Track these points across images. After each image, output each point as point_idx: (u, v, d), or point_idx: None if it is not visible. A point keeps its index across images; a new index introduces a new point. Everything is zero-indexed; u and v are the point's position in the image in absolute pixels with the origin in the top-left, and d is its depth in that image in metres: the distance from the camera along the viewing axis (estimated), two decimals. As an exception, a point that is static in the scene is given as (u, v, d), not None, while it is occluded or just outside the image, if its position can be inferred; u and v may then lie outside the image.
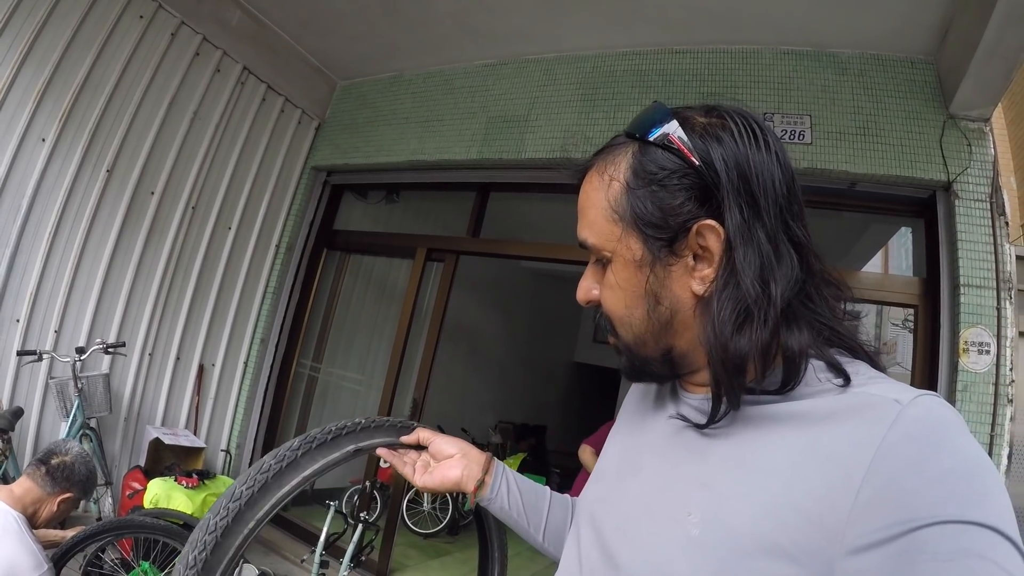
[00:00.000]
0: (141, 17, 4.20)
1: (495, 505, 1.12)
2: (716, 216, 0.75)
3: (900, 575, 0.55)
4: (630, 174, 0.80)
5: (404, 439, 1.16)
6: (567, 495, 1.23)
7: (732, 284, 0.74)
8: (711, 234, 0.76)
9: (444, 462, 1.12)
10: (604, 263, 0.84)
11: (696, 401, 0.83)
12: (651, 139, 0.79)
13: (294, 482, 1.02)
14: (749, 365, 0.72)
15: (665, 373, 0.86)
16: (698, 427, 0.78)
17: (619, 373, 0.95)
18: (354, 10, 4.62)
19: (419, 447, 1.18)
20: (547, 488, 1.20)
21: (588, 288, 0.88)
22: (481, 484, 1.10)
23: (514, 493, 1.13)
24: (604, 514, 0.89)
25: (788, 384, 0.72)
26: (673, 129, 0.78)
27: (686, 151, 0.76)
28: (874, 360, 0.79)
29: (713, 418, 0.75)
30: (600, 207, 0.82)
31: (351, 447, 1.09)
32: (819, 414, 0.69)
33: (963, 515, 0.55)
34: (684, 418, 0.82)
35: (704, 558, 0.69)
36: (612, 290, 0.83)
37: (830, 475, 0.63)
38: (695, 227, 0.76)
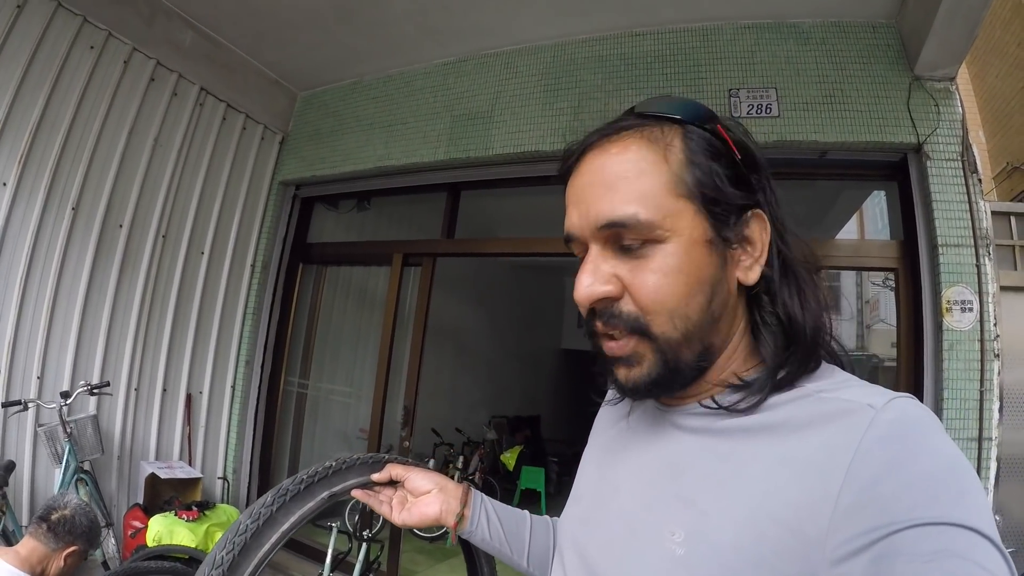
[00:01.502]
0: (92, 48, 4.08)
1: (476, 536, 1.11)
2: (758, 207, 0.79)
3: None
4: (689, 147, 0.76)
5: (376, 477, 1.14)
6: (547, 516, 1.23)
7: (786, 271, 0.80)
8: (758, 223, 0.78)
9: (421, 498, 1.11)
10: (642, 245, 0.74)
11: (694, 409, 0.80)
12: (698, 124, 0.78)
13: (273, 539, 0.99)
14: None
15: (687, 381, 0.78)
16: (734, 412, 0.75)
17: None
18: (307, 19, 4.53)
19: (393, 483, 1.16)
20: (526, 513, 1.20)
21: (608, 275, 0.75)
22: (460, 517, 1.09)
23: (494, 522, 1.12)
24: (587, 536, 0.88)
25: (760, 389, 0.74)
26: (716, 120, 0.79)
27: (731, 142, 0.78)
28: (846, 363, 0.81)
29: (756, 401, 0.74)
30: (658, 176, 0.74)
31: (325, 494, 1.08)
32: (795, 423, 0.69)
33: (941, 516, 0.55)
34: (702, 418, 0.79)
35: None
36: (664, 276, 0.73)
37: (809, 484, 0.63)
38: (750, 214, 0.78)
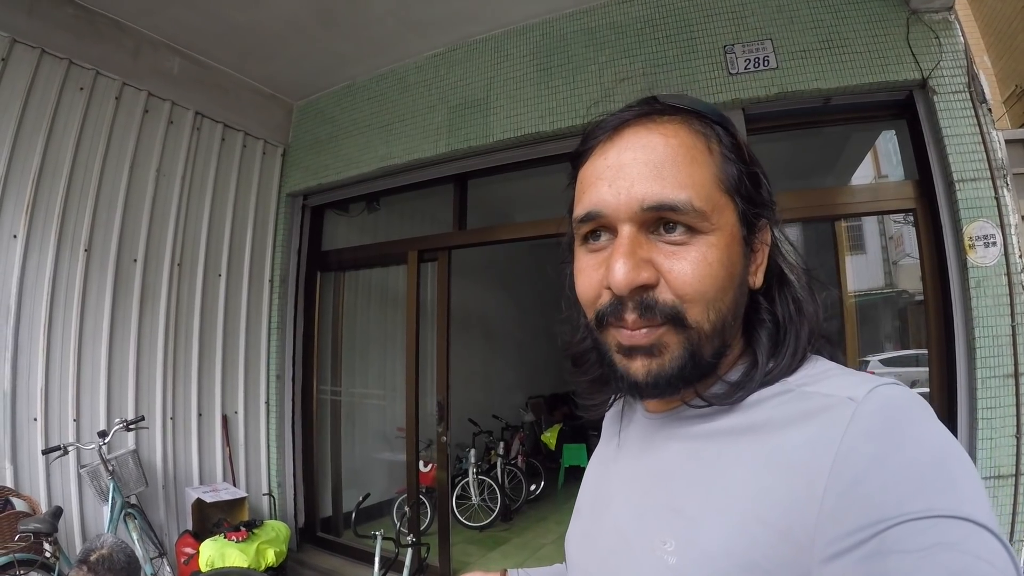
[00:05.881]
0: (81, 89, 4.12)
1: None
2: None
3: None
4: (725, 146, 0.76)
5: None
6: None
7: (784, 278, 0.82)
8: (765, 232, 0.80)
9: None
10: (683, 233, 0.71)
11: (682, 413, 0.80)
12: (724, 127, 0.79)
13: None
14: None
15: (703, 376, 0.75)
16: (716, 405, 0.75)
17: None
18: (291, 30, 4.52)
19: None
20: (563, 566, 1.17)
21: (645, 261, 0.71)
22: None
23: None
24: (588, 552, 0.88)
25: (746, 382, 0.74)
26: (736, 131, 0.80)
27: (747, 154, 0.79)
28: (831, 351, 0.80)
29: (739, 395, 0.74)
30: (707, 168, 0.73)
31: None
32: (777, 422, 0.68)
33: (931, 509, 0.53)
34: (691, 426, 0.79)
35: None
36: (707, 265, 0.70)
37: (794, 485, 0.62)
38: (763, 220, 0.79)
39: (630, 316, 0.72)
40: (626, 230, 0.72)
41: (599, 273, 0.75)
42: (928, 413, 0.62)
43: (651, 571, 0.71)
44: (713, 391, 0.76)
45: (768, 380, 0.73)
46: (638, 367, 0.73)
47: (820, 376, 0.71)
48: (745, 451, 0.69)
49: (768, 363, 0.75)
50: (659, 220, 0.71)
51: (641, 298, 0.71)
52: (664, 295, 0.71)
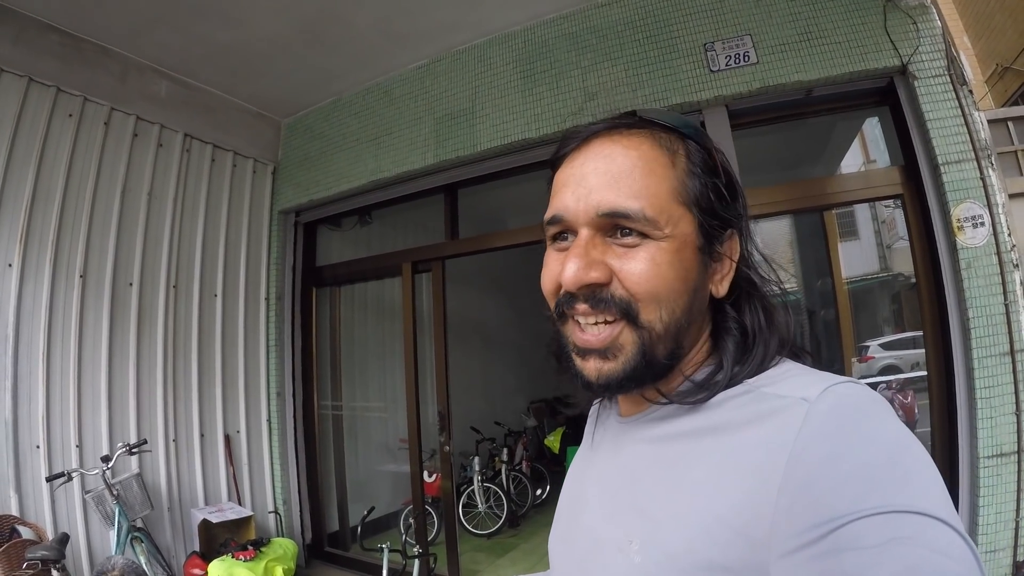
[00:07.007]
0: (70, 115, 4.14)
1: None
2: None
3: (828, 574, 0.53)
4: (691, 160, 0.80)
5: None
6: None
7: (753, 288, 0.84)
8: (732, 242, 0.82)
9: None
10: (636, 237, 0.75)
11: (649, 414, 0.83)
12: (698, 141, 0.82)
13: None
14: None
15: (657, 378, 0.79)
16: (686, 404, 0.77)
17: None
18: (276, 48, 4.55)
19: None
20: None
21: (597, 262, 0.75)
22: None
23: None
24: (567, 553, 0.90)
25: (709, 383, 0.76)
26: (711, 142, 0.83)
27: (720, 168, 0.82)
28: (796, 352, 0.82)
29: (707, 395, 0.75)
30: (666, 180, 0.77)
31: None
32: (736, 423, 0.70)
33: (886, 505, 0.53)
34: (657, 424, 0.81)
35: None
36: (656, 266, 0.74)
37: (750, 486, 0.63)
38: (729, 231, 0.82)
39: (580, 306, 0.77)
40: (583, 233, 0.77)
41: (559, 267, 0.79)
42: (882, 409, 0.63)
43: (619, 569, 0.74)
44: (679, 390, 0.79)
45: (732, 382, 0.76)
46: (590, 368, 0.78)
47: (780, 377, 0.73)
48: (705, 452, 0.71)
49: (733, 368, 0.77)
50: (615, 226, 0.76)
51: (593, 294, 0.76)
52: (618, 291, 0.75)
